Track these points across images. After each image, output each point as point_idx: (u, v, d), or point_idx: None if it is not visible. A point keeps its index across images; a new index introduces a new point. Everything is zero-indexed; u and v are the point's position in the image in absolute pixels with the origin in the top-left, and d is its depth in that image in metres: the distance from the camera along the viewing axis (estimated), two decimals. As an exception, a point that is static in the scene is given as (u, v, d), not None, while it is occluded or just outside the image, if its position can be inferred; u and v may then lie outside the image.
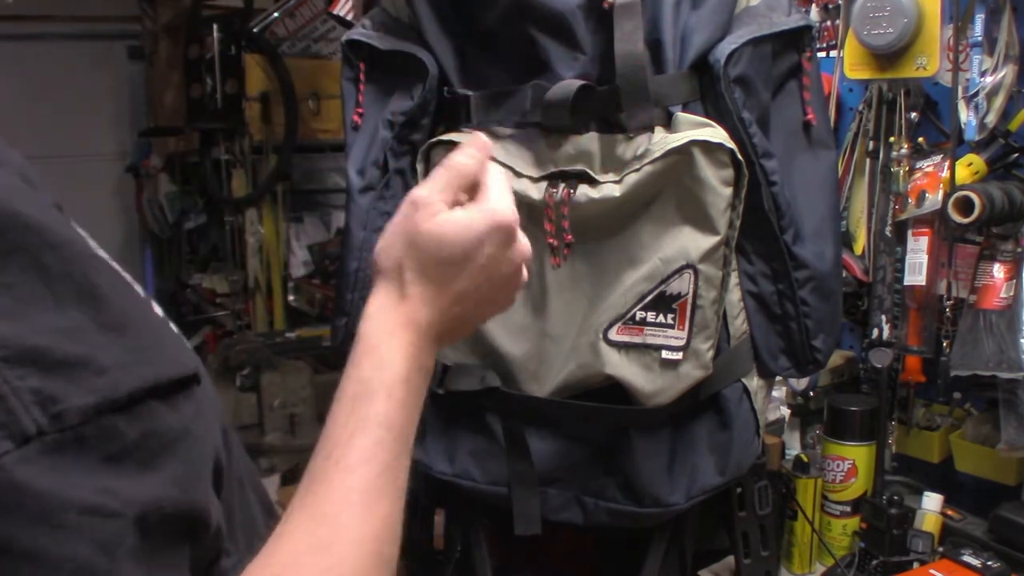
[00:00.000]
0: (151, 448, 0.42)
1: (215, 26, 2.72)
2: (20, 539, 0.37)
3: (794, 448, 1.44)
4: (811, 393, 1.42)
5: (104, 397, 0.39)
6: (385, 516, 0.56)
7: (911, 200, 1.28)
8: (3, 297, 0.39)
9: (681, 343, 0.90)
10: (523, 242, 0.68)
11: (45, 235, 0.41)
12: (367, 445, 0.57)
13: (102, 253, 0.48)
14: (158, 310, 0.51)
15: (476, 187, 0.68)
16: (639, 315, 0.90)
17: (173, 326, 0.52)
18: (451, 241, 0.63)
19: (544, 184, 0.91)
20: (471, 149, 0.67)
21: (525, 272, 0.72)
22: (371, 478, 0.56)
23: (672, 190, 0.88)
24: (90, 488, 0.38)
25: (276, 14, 2.74)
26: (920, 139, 1.30)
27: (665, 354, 0.90)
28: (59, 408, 0.38)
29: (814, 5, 1.42)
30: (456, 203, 0.66)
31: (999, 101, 1.19)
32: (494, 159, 0.70)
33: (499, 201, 0.66)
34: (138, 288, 0.50)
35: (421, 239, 0.63)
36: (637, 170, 0.87)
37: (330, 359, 2.34)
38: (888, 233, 1.33)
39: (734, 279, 0.96)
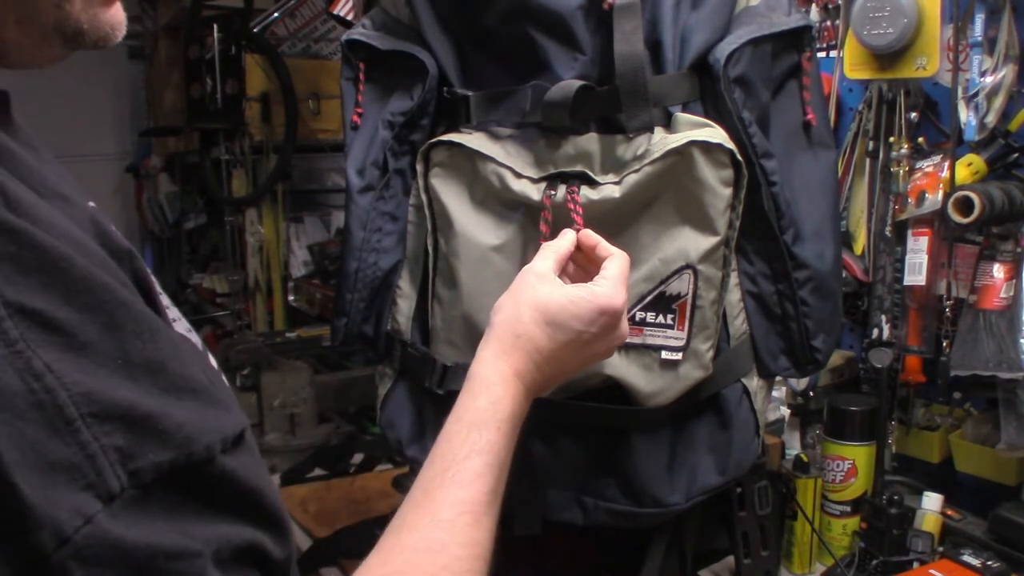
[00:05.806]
0: (220, 495, 0.44)
1: (215, 26, 2.71)
2: None
3: (794, 448, 1.44)
4: (811, 393, 1.42)
5: (179, 453, 0.42)
6: (489, 530, 0.63)
7: (911, 200, 1.28)
8: (85, 355, 0.40)
9: (681, 343, 0.90)
10: (624, 328, 0.79)
11: (116, 293, 0.43)
12: (479, 466, 0.65)
13: (165, 300, 0.51)
14: (212, 361, 0.54)
15: (591, 261, 0.81)
16: (638, 315, 0.90)
17: (224, 377, 0.55)
18: (570, 315, 0.75)
19: (543, 185, 0.91)
20: (570, 232, 0.83)
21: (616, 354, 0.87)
22: (481, 494, 0.63)
23: (671, 191, 0.88)
24: (171, 533, 0.41)
25: (276, 14, 2.73)
26: (920, 139, 1.30)
27: (665, 354, 0.90)
28: (136, 465, 0.40)
29: (814, 5, 1.42)
30: (563, 275, 0.80)
31: (999, 101, 1.19)
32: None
33: (615, 288, 0.77)
34: (195, 338, 0.53)
35: (542, 306, 0.75)
36: (637, 171, 0.87)
37: (330, 359, 2.34)
38: (888, 233, 1.33)
39: (734, 279, 0.96)
